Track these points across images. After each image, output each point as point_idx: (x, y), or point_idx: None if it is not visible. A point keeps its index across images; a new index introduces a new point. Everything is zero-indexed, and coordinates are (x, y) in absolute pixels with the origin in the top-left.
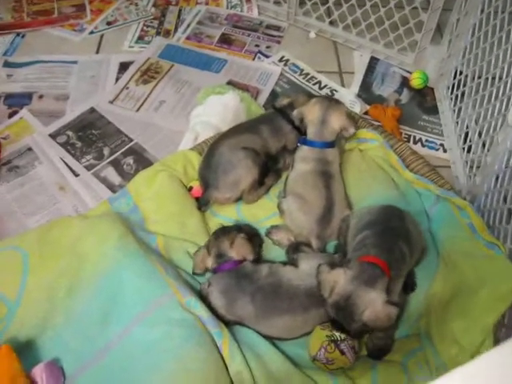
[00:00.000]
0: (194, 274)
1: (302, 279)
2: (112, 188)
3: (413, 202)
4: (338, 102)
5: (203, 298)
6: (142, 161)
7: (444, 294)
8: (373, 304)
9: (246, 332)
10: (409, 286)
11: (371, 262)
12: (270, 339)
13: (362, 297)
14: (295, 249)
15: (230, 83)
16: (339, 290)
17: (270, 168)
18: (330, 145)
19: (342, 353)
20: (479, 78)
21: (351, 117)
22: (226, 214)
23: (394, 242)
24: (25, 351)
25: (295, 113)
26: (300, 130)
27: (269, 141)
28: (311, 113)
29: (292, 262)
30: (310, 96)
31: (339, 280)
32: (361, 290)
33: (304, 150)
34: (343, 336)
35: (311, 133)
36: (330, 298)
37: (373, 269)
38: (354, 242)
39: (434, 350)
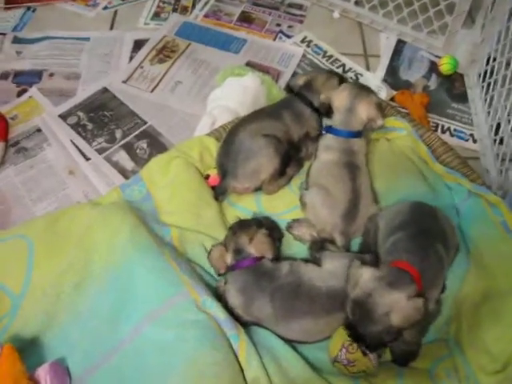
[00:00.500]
0: (219, 275)
1: (324, 280)
2: (124, 173)
3: (442, 196)
4: (368, 91)
5: (219, 296)
6: (157, 145)
7: (475, 297)
8: (396, 304)
9: (264, 334)
10: None
11: (401, 269)
12: (289, 342)
13: (384, 297)
14: (320, 247)
15: (249, 64)
16: (362, 284)
17: (291, 157)
18: (357, 135)
19: (365, 354)
20: None
21: (381, 108)
22: (244, 205)
23: (429, 244)
24: (28, 350)
25: (322, 98)
26: (320, 112)
27: (291, 127)
28: (339, 99)
29: (315, 261)
30: (330, 73)
31: (364, 275)
32: (384, 289)
33: (328, 139)
34: None
35: (337, 120)
36: (352, 292)
37: (402, 275)
38: (386, 245)
39: (463, 358)
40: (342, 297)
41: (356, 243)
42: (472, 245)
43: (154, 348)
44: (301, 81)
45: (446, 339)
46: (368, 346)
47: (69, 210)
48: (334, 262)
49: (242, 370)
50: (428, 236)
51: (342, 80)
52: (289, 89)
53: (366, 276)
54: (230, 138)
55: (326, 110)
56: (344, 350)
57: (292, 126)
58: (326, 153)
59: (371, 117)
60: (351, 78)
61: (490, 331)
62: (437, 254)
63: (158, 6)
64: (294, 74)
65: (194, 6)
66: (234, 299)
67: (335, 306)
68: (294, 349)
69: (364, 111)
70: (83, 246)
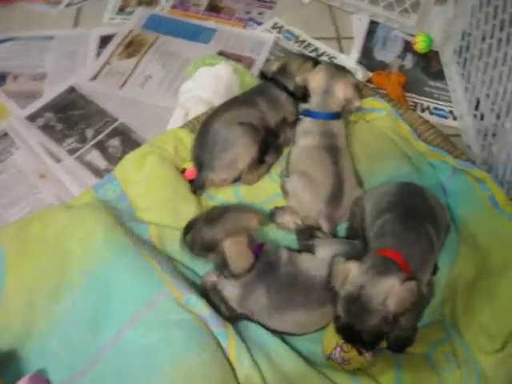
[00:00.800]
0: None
1: (319, 269)
2: (98, 173)
3: (427, 175)
4: (345, 71)
5: (206, 292)
6: (129, 142)
7: (468, 276)
8: (391, 289)
9: (254, 329)
10: None
11: (386, 257)
12: (280, 334)
13: (377, 286)
14: (310, 235)
15: (220, 54)
16: (352, 279)
17: (269, 144)
18: (335, 116)
19: (360, 352)
20: (491, 38)
21: (358, 89)
22: (223, 197)
23: (419, 225)
24: (6, 363)
25: (298, 80)
26: (297, 97)
27: (267, 114)
28: (315, 80)
29: (307, 249)
30: (303, 57)
31: (353, 269)
32: (375, 279)
33: (306, 123)
34: None
35: (314, 103)
36: (342, 289)
37: (387, 262)
38: (374, 228)
39: (461, 340)
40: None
41: (343, 229)
42: (461, 223)
43: (138, 352)
44: (274, 66)
45: (442, 321)
46: (366, 344)
47: (40, 215)
48: (327, 250)
49: (232, 369)
50: (417, 217)
51: (316, 63)
52: (262, 75)
53: (355, 270)
54: (204, 128)
55: (303, 94)
56: (338, 349)
57: (268, 112)
58: (305, 138)
59: (348, 97)
60: (325, 61)
61: (486, 310)
62: (427, 236)
63: (123, 0)
64: (267, 61)
65: None
66: (232, 291)
67: (328, 296)
68: (287, 343)
69: (341, 91)
70: (58, 250)
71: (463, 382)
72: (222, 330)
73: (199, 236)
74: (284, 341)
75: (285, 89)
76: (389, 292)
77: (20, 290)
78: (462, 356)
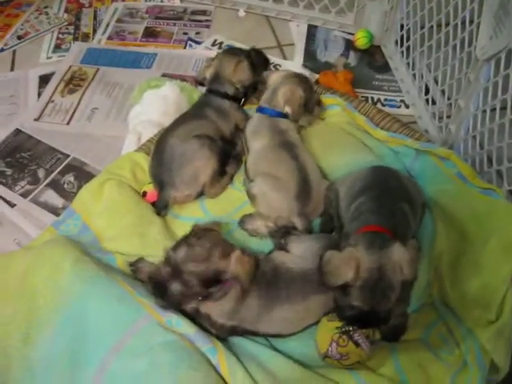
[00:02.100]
0: None
1: (295, 262)
2: (55, 212)
3: (391, 162)
4: (299, 79)
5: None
6: (84, 176)
7: (451, 252)
8: (401, 256)
9: (243, 342)
10: None
11: (376, 231)
12: (271, 338)
13: (390, 259)
14: (284, 233)
15: (164, 77)
16: (365, 264)
17: (229, 154)
18: (282, 115)
19: (357, 344)
20: (430, 23)
21: (296, 98)
22: (189, 215)
23: (394, 203)
24: None
25: (264, 74)
26: (238, 99)
27: (218, 123)
28: (272, 78)
29: (281, 247)
30: (235, 55)
31: (361, 257)
32: (385, 255)
33: (253, 120)
34: None
35: (263, 98)
36: (356, 280)
37: (381, 236)
38: (349, 212)
39: (455, 317)
40: (314, 278)
41: (316, 225)
42: (432, 203)
43: (126, 382)
44: (207, 73)
45: (432, 302)
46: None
47: (0, 260)
48: (302, 245)
49: None
50: (391, 195)
51: (248, 55)
52: (200, 83)
53: (364, 256)
54: (159, 147)
55: (244, 94)
56: (334, 345)
57: (219, 122)
58: (255, 139)
59: (286, 102)
60: (270, 69)
61: (475, 282)
62: (402, 211)
63: (58, 38)
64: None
65: (94, 31)
66: (221, 310)
67: (310, 288)
68: (278, 351)
69: (282, 95)
70: (23, 293)
71: (464, 359)
72: (210, 346)
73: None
74: (275, 349)
75: (225, 96)
76: (400, 260)
77: None
78: (458, 334)
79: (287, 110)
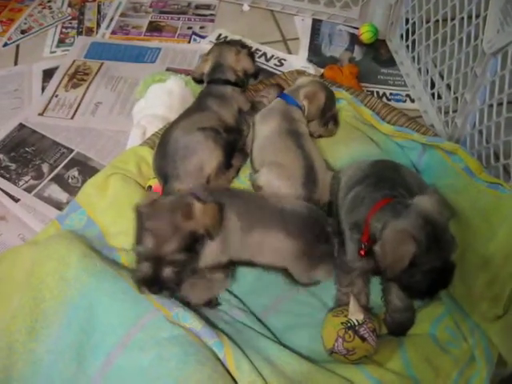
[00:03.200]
0: None
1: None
2: (60, 207)
3: (396, 157)
4: (325, 88)
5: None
6: (88, 171)
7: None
8: (430, 202)
9: (250, 334)
10: None
11: (386, 203)
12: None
13: (424, 209)
14: None
15: (168, 71)
16: (415, 228)
17: (235, 147)
18: (300, 108)
19: (363, 339)
20: (435, 17)
21: (316, 99)
22: None
23: (391, 188)
24: None
25: (239, 69)
26: (239, 84)
27: (221, 112)
28: (299, 80)
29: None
30: (232, 46)
31: (405, 227)
32: (416, 210)
33: (270, 105)
34: (361, 319)
35: (286, 90)
36: (419, 248)
37: (396, 203)
38: (345, 202)
39: (462, 311)
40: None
41: None
42: None
43: (132, 376)
44: (205, 68)
45: (439, 296)
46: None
47: (5, 255)
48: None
49: (233, 379)
50: (390, 183)
51: (243, 45)
52: (196, 80)
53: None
54: (163, 140)
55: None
56: (340, 340)
57: (221, 110)
58: (264, 123)
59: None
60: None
61: (482, 276)
62: (400, 194)
63: (62, 33)
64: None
65: (98, 25)
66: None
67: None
68: (285, 346)
69: (305, 91)
70: (30, 286)
71: (472, 353)
72: (216, 340)
73: None
74: (282, 344)
75: (227, 82)
76: (432, 204)
77: None
78: (465, 328)
79: (304, 103)
